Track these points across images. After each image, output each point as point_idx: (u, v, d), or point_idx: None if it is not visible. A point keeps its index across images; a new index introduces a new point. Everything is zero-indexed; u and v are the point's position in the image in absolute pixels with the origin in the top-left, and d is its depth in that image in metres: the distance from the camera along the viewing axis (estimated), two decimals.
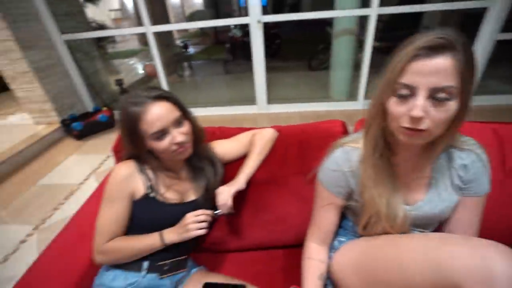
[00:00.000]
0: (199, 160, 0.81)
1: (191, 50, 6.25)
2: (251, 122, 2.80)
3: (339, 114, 2.79)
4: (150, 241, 0.70)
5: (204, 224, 0.68)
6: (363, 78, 2.63)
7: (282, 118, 2.82)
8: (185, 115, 0.72)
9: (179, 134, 0.67)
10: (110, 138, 2.79)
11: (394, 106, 0.49)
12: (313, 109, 2.91)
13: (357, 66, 2.83)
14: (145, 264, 0.73)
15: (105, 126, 2.93)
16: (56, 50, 2.82)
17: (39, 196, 2.01)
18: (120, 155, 0.96)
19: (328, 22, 3.71)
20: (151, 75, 4.95)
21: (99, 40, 5.33)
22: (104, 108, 3.05)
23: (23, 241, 1.63)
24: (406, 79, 0.46)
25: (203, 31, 8.87)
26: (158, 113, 0.64)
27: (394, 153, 0.60)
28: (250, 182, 0.82)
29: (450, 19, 3.52)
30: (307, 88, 3.63)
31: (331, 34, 2.83)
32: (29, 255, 1.53)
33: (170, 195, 0.75)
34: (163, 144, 0.66)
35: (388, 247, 0.58)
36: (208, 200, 0.80)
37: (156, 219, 0.73)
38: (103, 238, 0.70)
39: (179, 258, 0.79)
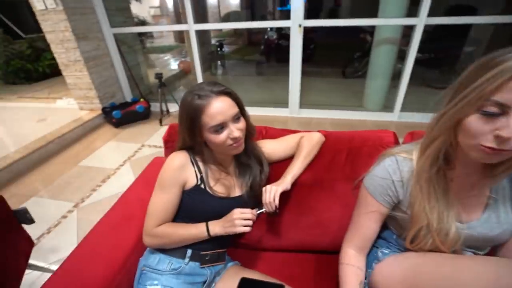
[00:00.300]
0: (247, 157, 0.83)
1: (225, 49, 6.38)
2: (281, 124, 2.79)
3: (372, 124, 2.71)
4: (196, 231, 0.73)
5: (250, 222, 0.69)
6: (402, 89, 2.53)
7: (313, 123, 2.80)
8: (242, 112, 0.74)
9: (236, 130, 0.70)
10: (146, 128, 2.93)
11: (477, 124, 0.46)
12: (345, 117, 2.85)
13: (395, 77, 2.75)
14: (189, 252, 0.77)
15: (142, 116, 3.08)
16: (105, 42, 3.02)
17: (79, 176, 2.16)
18: (169, 145, 1.02)
19: (367, 30, 3.64)
20: (185, 71, 5.14)
21: (140, 35, 5.61)
22: (142, 100, 3.21)
23: (64, 216, 1.75)
24: (502, 97, 0.43)
25: (236, 32, 9.02)
26: (220, 108, 0.68)
27: (451, 168, 0.58)
28: (294, 184, 0.83)
29: (502, 32, 3.28)
30: (340, 95, 3.57)
31: (370, 42, 2.76)
32: (69, 230, 1.64)
33: (218, 188, 0.78)
34: (221, 137, 0.69)
35: (445, 267, 0.56)
36: (252, 198, 0.82)
37: (203, 210, 0.76)
38: (153, 221, 0.74)
39: (219, 250, 0.81)
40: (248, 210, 0.71)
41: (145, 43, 7.73)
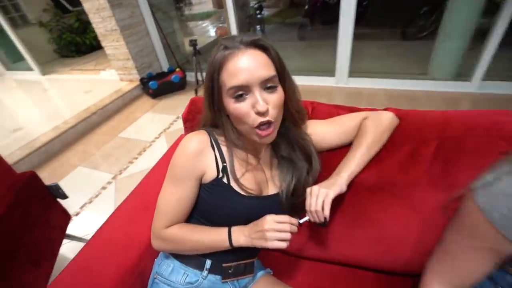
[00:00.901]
0: (290, 150, 0.62)
1: (265, 12, 5.87)
2: (325, 96, 2.47)
3: (439, 96, 2.23)
4: (216, 238, 0.57)
5: (287, 236, 0.51)
6: (488, 52, 1.97)
7: (364, 95, 2.41)
8: (282, 80, 0.53)
9: (264, 102, 0.49)
10: (181, 99, 2.85)
11: None
12: (404, 87, 2.39)
13: (477, 36, 2.16)
14: (208, 263, 0.62)
15: (178, 87, 2.99)
16: (139, 8, 2.89)
17: (118, 148, 2.19)
18: (189, 125, 0.85)
19: None
20: (222, 37, 4.88)
21: (177, 1, 5.41)
22: (178, 69, 3.10)
23: (104, 188, 1.79)
24: None
25: None
26: (245, 63, 0.48)
27: None
28: (351, 183, 0.60)
29: None
30: (398, 61, 3.01)
31: None
32: (107, 201, 1.67)
33: (246, 183, 0.58)
34: (242, 107, 0.50)
35: None
36: (292, 199, 0.62)
37: (225, 211, 0.58)
38: (163, 220, 0.59)
39: (246, 261, 0.65)
40: (285, 219, 0.52)
41: (183, 10, 7.52)
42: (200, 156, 0.56)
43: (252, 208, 0.58)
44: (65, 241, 1.21)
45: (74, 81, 3.71)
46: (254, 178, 0.60)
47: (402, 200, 0.62)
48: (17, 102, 3.38)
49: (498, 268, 0.48)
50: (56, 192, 1.16)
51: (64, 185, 1.86)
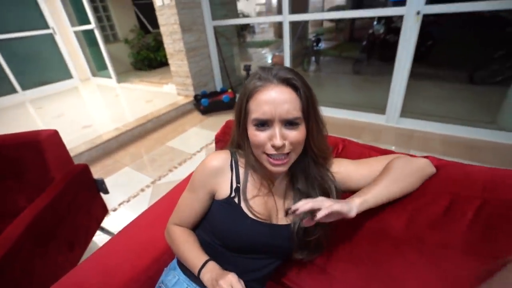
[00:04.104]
0: (308, 185, 0.61)
1: (322, 45, 6.00)
2: (372, 134, 2.35)
3: (508, 150, 1.94)
4: (193, 260, 0.61)
5: None
6: None
7: (415, 138, 2.23)
8: (307, 120, 0.54)
9: (281, 137, 0.51)
10: (227, 118, 2.99)
11: None
12: (466, 135, 2.15)
13: None
14: None
15: (227, 106, 3.17)
16: (205, 34, 3.22)
17: (163, 155, 2.37)
18: (220, 145, 0.89)
19: None
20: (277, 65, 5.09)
21: (241, 29, 5.89)
22: (229, 90, 3.31)
23: (142, 190, 1.93)
24: None
25: (338, 27, 8.41)
26: (272, 98, 0.51)
27: None
28: (370, 231, 0.55)
29: None
30: (462, 106, 2.74)
31: None
32: (143, 203, 1.79)
33: (255, 206, 0.60)
34: (260, 136, 0.53)
35: None
36: (303, 235, 0.60)
37: (233, 230, 0.59)
38: (176, 217, 0.68)
39: (252, 283, 0.63)
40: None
41: (246, 37, 8.14)
42: (217, 174, 0.60)
43: (258, 232, 0.59)
44: (98, 232, 1.32)
45: (141, 90, 4.21)
46: (265, 204, 0.61)
47: (429, 260, 0.54)
48: (94, 103, 3.96)
49: None
50: (100, 186, 1.29)
51: (110, 181, 2.07)
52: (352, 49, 5.88)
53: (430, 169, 0.59)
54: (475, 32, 3.93)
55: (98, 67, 5.27)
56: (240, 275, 0.60)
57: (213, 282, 0.55)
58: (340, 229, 0.66)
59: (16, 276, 0.82)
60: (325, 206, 0.49)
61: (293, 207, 0.50)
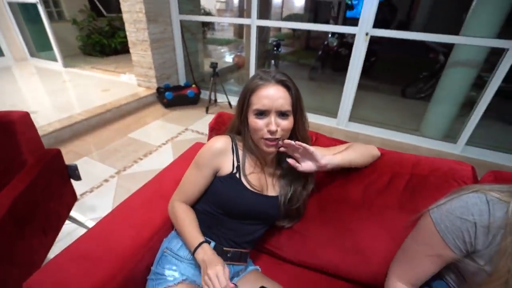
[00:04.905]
0: (291, 167, 0.77)
1: (281, 50, 6.36)
2: (326, 135, 2.67)
3: (427, 153, 2.44)
4: (190, 239, 0.70)
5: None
6: (473, 120, 2.23)
7: (360, 139, 2.62)
8: (294, 113, 0.70)
9: (276, 124, 0.67)
10: (191, 113, 3.03)
11: None
12: (397, 139, 2.62)
13: (465, 105, 2.44)
14: (212, 244, 0.74)
15: (191, 101, 3.20)
16: (171, 26, 3.19)
17: (125, 146, 2.31)
18: (214, 133, 1.01)
19: (438, 50, 3.29)
20: (238, 65, 5.23)
21: (203, 25, 5.86)
22: (194, 85, 3.33)
23: (106, 180, 1.88)
24: None
25: (295, 34, 8.93)
26: (270, 94, 0.66)
27: None
28: (336, 198, 0.74)
29: None
30: (395, 115, 3.29)
31: (442, 62, 2.48)
32: (108, 193, 1.76)
33: (252, 180, 0.74)
34: (259, 123, 0.67)
35: None
36: (286, 207, 0.78)
37: (235, 200, 0.73)
38: (180, 193, 0.78)
39: (242, 250, 0.77)
40: (223, 280, 0.59)
41: (207, 33, 8.07)
42: (221, 154, 0.73)
43: (256, 202, 0.73)
44: (66, 222, 1.29)
45: (94, 78, 3.91)
46: (258, 179, 0.76)
47: (376, 217, 0.77)
48: (35, 88, 3.54)
49: (437, 278, 0.61)
50: (72, 173, 1.27)
51: None
52: (308, 56, 6.36)
53: (377, 152, 0.82)
54: (408, 54, 4.67)
55: (38, 47, 4.68)
56: (237, 238, 0.75)
57: (204, 267, 0.62)
58: (312, 199, 0.84)
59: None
60: (305, 146, 0.66)
61: (285, 141, 0.66)
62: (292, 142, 0.66)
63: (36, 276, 0.66)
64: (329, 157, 0.71)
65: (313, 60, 5.41)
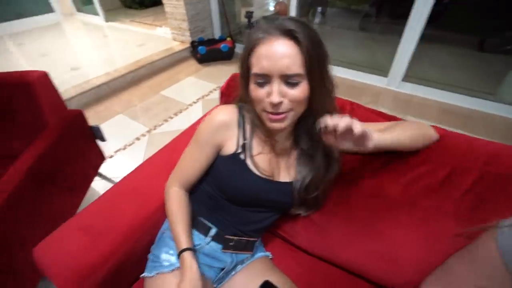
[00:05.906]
0: (313, 147, 0.60)
1: None
2: (370, 97, 2.32)
3: (502, 123, 1.97)
4: (178, 238, 0.61)
5: None
6: None
7: (413, 103, 2.22)
8: (311, 79, 0.49)
9: (279, 94, 0.48)
10: (225, 70, 2.87)
11: None
12: (463, 104, 2.15)
13: None
14: (213, 231, 0.66)
15: (225, 56, 3.00)
16: None
17: (157, 104, 2.31)
18: (225, 99, 0.86)
19: None
20: (280, 14, 4.71)
21: None
22: (228, 39, 3.09)
23: (138, 138, 1.93)
24: None
25: None
26: (271, 52, 0.47)
27: None
28: (365, 191, 0.57)
29: None
30: (466, 74, 2.69)
31: None
32: (139, 151, 1.80)
33: (259, 162, 0.60)
34: (259, 93, 0.51)
35: None
36: (304, 193, 0.62)
37: (238, 186, 0.61)
38: (177, 175, 0.67)
39: (248, 239, 0.68)
40: None
41: None
42: (224, 129, 0.59)
43: (261, 188, 0.61)
44: (96, 178, 1.35)
45: (132, 32, 3.89)
46: (268, 161, 0.62)
47: (419, 222, 0.58)
48: (80, 43, 3.67)
49: None
50: (97, 134, 1.27)
51: (104, 128, 2.03)
52: (363, 1, 5.43)
53: (434, 134, 0.60)
54: None
55: (83, 1, 4.75)
56: (242, 226, 0.65)
57: (182, 279, 0.56)
58: (338, 188, 0.69)
59: (20, 216, 0.85)
60: (356, 126, 0.43)
61: (326, 120, 0.44)
62: (341, 123, 0.43)
63: (43, 243, 0.67)
64: (377, 136, 0.51)
65: (367, 6, 4.60)
